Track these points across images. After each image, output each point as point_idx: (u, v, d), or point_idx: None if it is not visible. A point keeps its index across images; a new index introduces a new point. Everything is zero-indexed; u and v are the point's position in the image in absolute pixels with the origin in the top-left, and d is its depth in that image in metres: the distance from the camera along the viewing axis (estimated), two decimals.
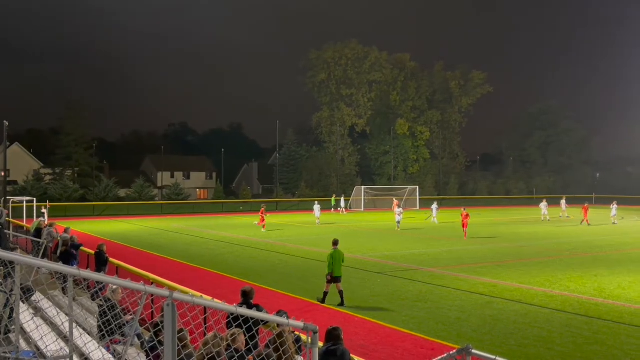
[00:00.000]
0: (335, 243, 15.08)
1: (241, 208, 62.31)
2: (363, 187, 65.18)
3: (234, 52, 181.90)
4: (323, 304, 14.31)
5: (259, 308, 8.64)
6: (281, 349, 5.52)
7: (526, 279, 18.00)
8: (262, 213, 35.36)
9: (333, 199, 58.44)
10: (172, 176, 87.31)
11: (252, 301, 9.10)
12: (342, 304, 14.15)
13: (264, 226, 34.99)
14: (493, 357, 4.24)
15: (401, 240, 30.00)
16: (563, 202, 48.94)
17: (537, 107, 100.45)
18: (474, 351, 4.39)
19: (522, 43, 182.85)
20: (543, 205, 45.66)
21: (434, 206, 42.82)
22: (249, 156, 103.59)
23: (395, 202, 45.56)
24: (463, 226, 30.88)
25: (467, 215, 31.02)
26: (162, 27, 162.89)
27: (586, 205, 41.29)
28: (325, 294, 14.55)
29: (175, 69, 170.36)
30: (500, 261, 22.06)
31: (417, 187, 68.78)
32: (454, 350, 4.45)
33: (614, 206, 41.25)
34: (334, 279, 14.50)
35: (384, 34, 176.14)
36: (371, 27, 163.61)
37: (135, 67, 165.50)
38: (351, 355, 7.16)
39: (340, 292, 14.36)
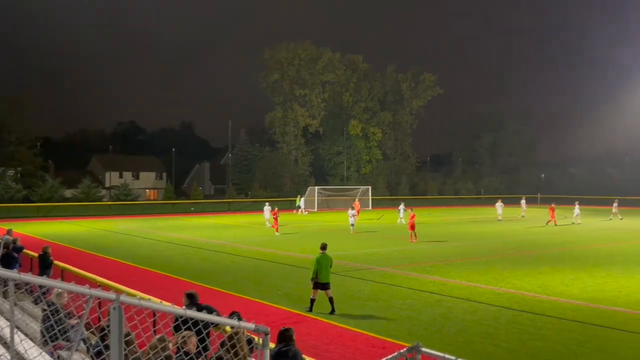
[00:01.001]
0: (324, 247, 14.28)
1: (192, 209, 61.52)
2: (316, 187, 65.36)
3: (185, 49, 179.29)
4: (310, 313, 13.46)
5: (209, 309, 8.53)
6: (232, 351, 5.47)
7: (474, 277, 18.42)
8: (274, 215, 34.04)
9: (298, 199, 58.41)
10: (121, 176, 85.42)
11: (198, 303, 8.98)
12: (332, 312, 13.37)
13: (277, 229, 33.30)
14: (442, 354, 4.30)
15: (354, 240, 30.20)
16: (523, 202, 50.40)
17: (485, 109, 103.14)
18: (423, 349, 4.45)
19: (471, 46, 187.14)
20: (498, 205, 46.78)
21: (401, 207, 42.54)
22: (201, 156, 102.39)
23: (357, 202, 45.25)
24: (410, 227, 29.64)
25: (414, 216, 30.17)
26: (110, 22, 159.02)
27: (552, 205, 41.49)
28: (312, 301, 13.73)
29: (124, 67, 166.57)
30: (449, 260, 22.50)
31: (370, 187, 69.46)
32: (404, 349, 4.50)
33: (577, 206, 41.71)
34: (321, 285, 13.65)
35: (337, 35, 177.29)
36: (324, 28, 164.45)
37: (83, 63, 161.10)
38: (303, 355, 7.16)
39: (331, 299, 13.57)
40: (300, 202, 56.94)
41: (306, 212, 55.69)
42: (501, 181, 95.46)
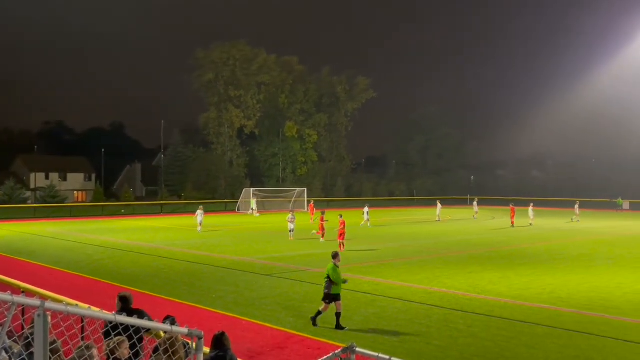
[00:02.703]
0: (335, 256, 13.08)
1: (123, 211, 59.81)
2: (252, 189, 65.00)
3: (116, 47, 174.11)
4: (314, 324, 12.47)
5: (140, 314, 8.30)
6: (165, 355, 5.34)
7: (407, 277, 18.80)
8: (321, 220, 30.55)
9: (252, 201, 58.86)
10: (47, 177, 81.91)
11: (132, 307, 8.73)
12: (341, 328, 12.29)
13: (323, 235, 30.26)
14: (376, 354, 4.36)
15: (290, 242, 30.19)
16: (475, 203, 51.96)
17: (418, 112, 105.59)
18: (357, 349, 4.49)
19: (403, 50, 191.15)
20: (438, 206, 47.94)
21: (366, 209, 41.49)
22: (132, 157, 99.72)
23: (312, 205, 45.72)
24: (339, 236, 27.00)
25: (343, 223, 27.10)
26: (36, 17, 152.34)
27: (511, 206, 41.97)
28: (319, 313, 12.59)
29: (51, 64, 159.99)
30: (383, 260, 22.87)
31: (305, 189, 69.76)
32: (339, 350, 4.52)
33: (531, 208, 42.61)
34: (333, 297, 12.51)
35: (272, 37, 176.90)
36: (259, 28, 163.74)
37: (6, 59, 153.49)
38: (238, 359, 7.08)
39: (338, 315, 12.48)
40: (253, 204, 57.31)
41: (258, 214, 55.63)
42: (433, 183, 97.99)
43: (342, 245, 26.23)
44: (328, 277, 12.65)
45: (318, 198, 77.29)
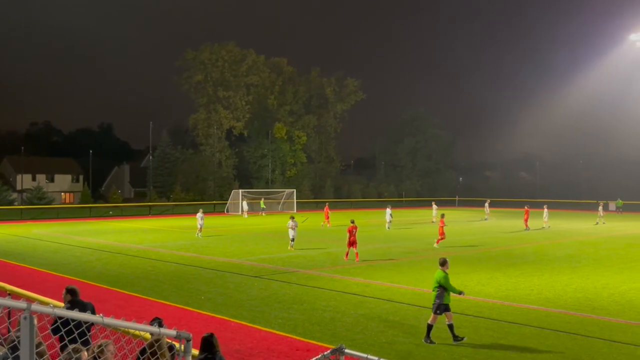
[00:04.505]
0: (444, 263, 12.12)
1: (110, 213, 59.42)
2: (241, 190, 64.85)
3: (103, 47, 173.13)
4: (429, 342, 11.37)
5: (92, 308, 8.50)
6: (153, 358, 5.31)
7: (396, 278, 18.83)
8: (442, 224, 28.69)
9: (262, 202, 59.56)
10: (34, 179, 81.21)
11: (80, 299, 8.74)
12: (460, 339, 11.46)
13: (442, 238, 28.36)
14: (365, 355, 4.36)
15: (278, 243, 30.14)
16: (487, 205, 51.51)
17: (407, 114, 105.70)
18: (347, 350, 4.50)
19: (392, 52, 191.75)
20: (434, 207, 47.80)
21: (388, 210, 40.07)
22: (120, 158, 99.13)
23: (327, 208, 44.02)
24: (351, 244, 23.17)
25: (356, 228, 23.65)
26: (22, 18, 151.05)
27: (526, 208, 39.45)
28: (430, 327, 11.54)
29: (38, 64, 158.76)
30: (372, 261, 22.89)
31: (295, 190, 69.71)
32: (328, 351, 4.53)
33: (545, 210, 41.33)
34: (444, 307, 11.58)
35: (262, 38, 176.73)
36: (248, 29, 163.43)
37: None
38: None
39: (451, 326, 11.57)
40: (243, 204, 57.55)
41: (246, 215, 55.64)
42: (422, 184, 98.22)
43: (356, 255, 23.07)
44: (440, 285, 11.62)
45: (307, 199, 77.31)
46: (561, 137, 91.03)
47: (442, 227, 28.39)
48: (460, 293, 11.95)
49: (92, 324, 5.98)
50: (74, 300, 8.56)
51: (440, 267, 11.96)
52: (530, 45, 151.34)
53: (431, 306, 11.71)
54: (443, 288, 11.59)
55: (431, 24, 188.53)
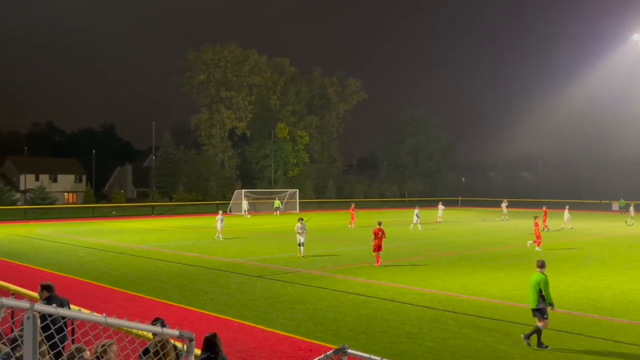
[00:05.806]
0: (542, 265, 11.75)
1: (113, 213, 59.48)
2: (243, 190, 64.86)
3: (106, 47, 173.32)
4: (543, 347, 11.02)
5: (68, 303, 8.55)
6: (156, 358, 5.32)
7: (399, 278, 18.82)
8: (536, 226, 28.38)
9: (277, 202, 60.53)
10: (37, 179, 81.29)
11: (56, 294, 8.79)
12: (540, 345, 11.08)
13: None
14: (367, 355, 4.36)
15: (281, 243, 30.13)
16: (504, 205, 51.24)
17: (408, 114, 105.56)
18: (349, 350, 4.50)
19: (392, 52, 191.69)
20: (440, 207, 47.71)
21: (416, 210, 39.54)
22: (123, 158, 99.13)
23: (352, 208, 42.84)
24: (377, 247, 22.20)
25: (378, 232, 22.62)
26: (24, 18, 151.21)
27: (544, 208, 37.47)
28: (540, 331, 11.16)
29: (39, 64, 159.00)
30: (375, 261, 22.85)
31: (297, 190, 69.72)
32: (331, 351, 4.53)
33: (567, 210, 40.07)
34: (540, 311, 11.32)
35: (263, 38, 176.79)
36: (250, 30, 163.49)
37: None
38: None
39: (538, 330, 11.23)
40: (244, 204, 57.69)
41: (249, 215, 55.73)
42: (424, 184, 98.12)
43: (377, 259, 22.09)
44: (540, 290, 11.34)
45: (309, 199, 77.30)
46: (563, 137, 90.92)
47: (538, 229, 28.00)
48: (551, 304, 11.41)
49: (68, 319, 5.98)
50: (51, 296, 8.56)
51: (538, 270, 11.62)
52: (530, 46, 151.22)
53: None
54: (542, 292, 11.32)
55: (431, 24, 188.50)
